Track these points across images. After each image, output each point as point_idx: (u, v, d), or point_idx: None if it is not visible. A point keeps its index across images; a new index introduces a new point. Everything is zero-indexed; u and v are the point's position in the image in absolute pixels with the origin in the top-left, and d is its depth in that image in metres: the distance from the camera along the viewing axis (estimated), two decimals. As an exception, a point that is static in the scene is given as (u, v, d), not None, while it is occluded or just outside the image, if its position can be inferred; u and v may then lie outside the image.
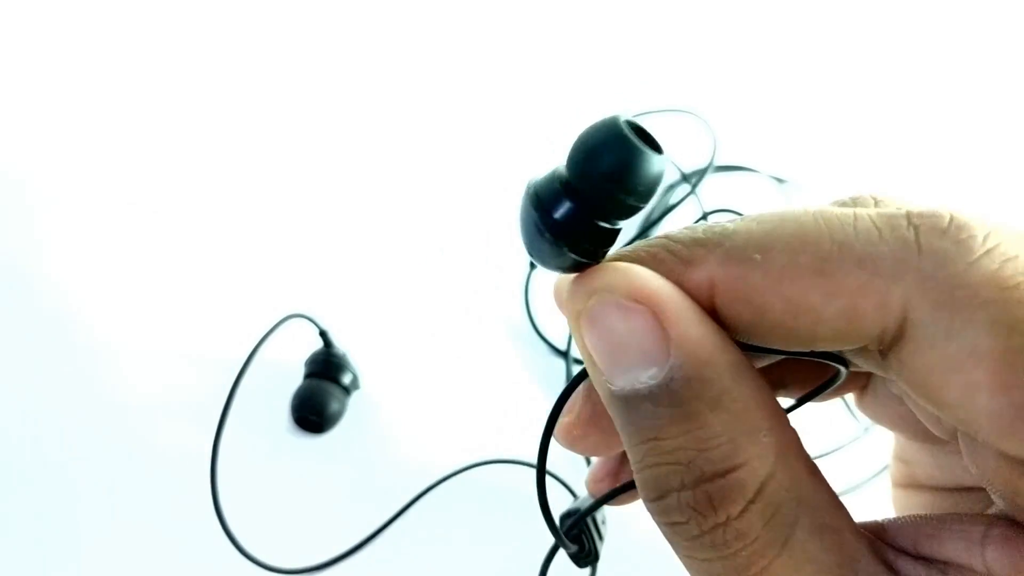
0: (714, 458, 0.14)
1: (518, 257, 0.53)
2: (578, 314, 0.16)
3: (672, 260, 0.16)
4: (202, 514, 0.40)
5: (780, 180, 0.60)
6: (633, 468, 0.16)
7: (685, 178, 0.57)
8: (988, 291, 0.13)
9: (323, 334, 0.46)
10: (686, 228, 0.17)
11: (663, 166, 0.15)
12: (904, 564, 0.15)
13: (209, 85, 0.64)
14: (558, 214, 0.15)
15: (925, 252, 0.14)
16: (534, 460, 0.22)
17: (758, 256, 0.15)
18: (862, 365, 0.18)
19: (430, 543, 0.42)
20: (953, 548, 0.15)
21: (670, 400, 0.15)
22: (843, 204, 0.16)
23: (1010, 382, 0.13)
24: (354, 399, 0.46)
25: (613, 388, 0.15)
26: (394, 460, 0.44)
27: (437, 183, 0.59)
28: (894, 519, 0.17)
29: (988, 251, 0.14)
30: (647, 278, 0.15)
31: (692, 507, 0.15)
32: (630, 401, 0.15)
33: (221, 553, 0.39)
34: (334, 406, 0.45)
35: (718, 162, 0.59)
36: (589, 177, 0.15)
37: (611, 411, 0.16)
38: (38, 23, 0.67)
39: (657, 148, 0.15)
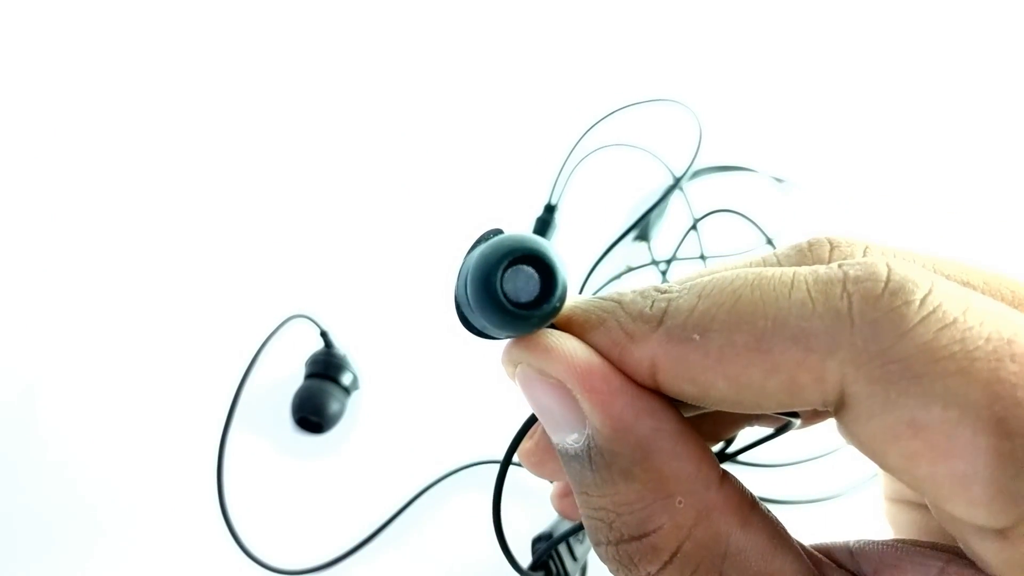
0: (629, 523, 0.15)
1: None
2: (512, 375, 0.17)
3: (617, 330, 0.16)
4: (207, 514, 0.40)
5: (779, 180, 0.60)
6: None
7: (676, 180, 0.57)
8: (920, 364, 0.13)
9: (324, 335, 0.46)
10: (638, 293, 0.17)
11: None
12: None
13: (214, 89, 0.65)
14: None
15: (858, 325, 0.14)
16: None
17: (696, 336, 0.15)
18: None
19: (430, 541, 0.42)
20: None
21: (590, 464, 0.16)
22: (799, 250, 0.17)
23: (949, 451, 0.14)
24: (354, 399, 0.46)
25: (551, 441, 0.17)
26: (394, 460, 0.45)
27: (437, 183, 0.59)
28: (862, 543, 0.17)
29: (923, 319, 0.14)
30: (567, 353, 0.16)
31: (617, 560, 0.16)
32: (563, 456, 0.16)
33: (222, 552, 0.39)
34: (334, 406, 0.45)
35: (718, 162, 0.59)
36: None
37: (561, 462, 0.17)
38: (39, 25, 0.68)
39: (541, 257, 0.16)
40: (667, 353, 0.15)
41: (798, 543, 0.17)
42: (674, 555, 0.15)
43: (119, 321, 0.49)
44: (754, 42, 0.72)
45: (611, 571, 0.16)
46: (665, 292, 0.16)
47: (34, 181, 0.57)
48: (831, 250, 0.16)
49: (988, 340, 0.13)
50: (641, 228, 0.55)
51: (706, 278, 0.16)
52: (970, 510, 0.14)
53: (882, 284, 0.14)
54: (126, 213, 0.55)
